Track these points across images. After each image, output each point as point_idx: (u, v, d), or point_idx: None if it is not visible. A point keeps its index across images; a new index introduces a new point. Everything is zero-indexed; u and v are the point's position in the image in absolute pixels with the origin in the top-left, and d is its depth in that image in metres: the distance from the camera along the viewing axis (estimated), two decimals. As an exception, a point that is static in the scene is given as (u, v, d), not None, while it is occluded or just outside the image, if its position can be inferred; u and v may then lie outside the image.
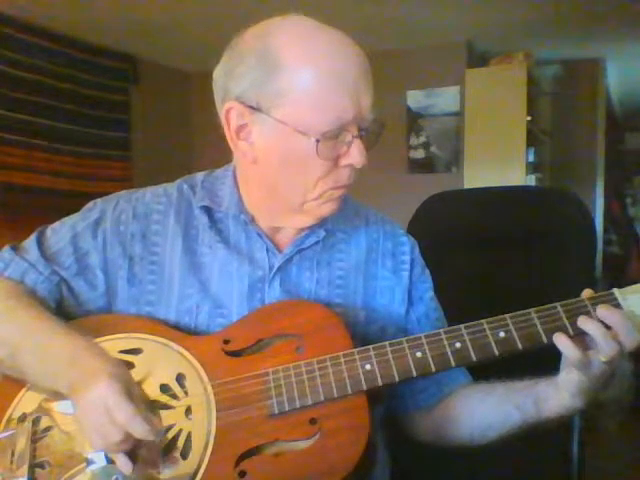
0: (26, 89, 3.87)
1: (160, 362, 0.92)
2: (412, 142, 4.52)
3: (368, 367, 0.88)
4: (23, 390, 0.94)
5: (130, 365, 0.91)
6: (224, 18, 3.43)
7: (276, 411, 0.87)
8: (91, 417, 0.82)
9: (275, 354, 0.91)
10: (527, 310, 0.89)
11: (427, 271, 1.11)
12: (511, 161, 4.12)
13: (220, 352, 0.92)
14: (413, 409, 1.07)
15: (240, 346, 0.93)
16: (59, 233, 1.03)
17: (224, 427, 0.87)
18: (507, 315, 0.89)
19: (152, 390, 0.90)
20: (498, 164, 4.10)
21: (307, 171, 0.91)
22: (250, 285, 0.99)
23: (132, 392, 0.83)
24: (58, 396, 0.90)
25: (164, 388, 0.90)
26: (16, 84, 3.81)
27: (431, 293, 1.10)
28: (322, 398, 0.87)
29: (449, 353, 0.88)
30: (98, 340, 0.93)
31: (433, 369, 0.88)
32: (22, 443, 0.89)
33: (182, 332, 0.97)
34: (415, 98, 4.49)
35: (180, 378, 0.91)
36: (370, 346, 0.90)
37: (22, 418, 0.92)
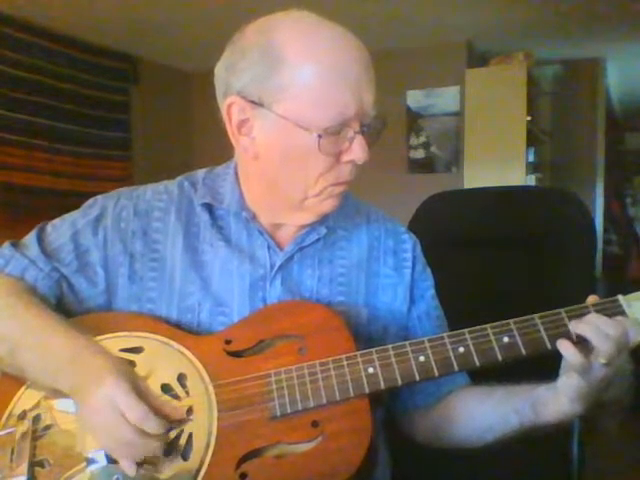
0: (26, 89, 3.87)
1: (161, 361, 0.92)
2: (412, 142, 4.52)
3: (371, 370, 0.88)
4: (23, 388, 0.94)
5: (131, 364, 0.91)
6: (224, 18, 3.42)
7: (278, 413, 0.86)
8: (99, 417, 0.82)
9: (277, 355, 0.90)
10: (531, 315, 0.88)
11: (428, 269, 1.10)
12: (511, 161, 4.12)
13: (222, 352, 0.92)
14: (412, 409, 1.06)
15: (242, 346, 0.92)
16: (59, 230, 1.03)
17: (225, 428, 0.86)
18: (511, 320, 0.88)
19: (153, 390, 0.89)
20: (498, 164, 4.10)
21: (308, 167, 0.91)
22: (251, 283, 0.99)
23: (139, 389, 0.83)
24: (58, 394, 0.90)
25: (165, 388, 0.90)
26: (16, 84, 3.81)
27: (432, 291, 1.09)
28: (324, 401, 0.86)
29: (452, 357, 0.88)
30: (99, 338, 0.93)
31: (436, 373, 0.88)
32: (22, 441, 0.89)
33: (183, 331, 0.96)
34: (415, 98, 4.49)
35: (181, 378, 0.91)
36: (373, 349, 0.89)
37: (22, 416, 0.92)
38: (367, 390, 0.87)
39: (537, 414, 0.92)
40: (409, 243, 1.09)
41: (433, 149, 4.48)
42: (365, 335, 0.98)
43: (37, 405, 0.92)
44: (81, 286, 1.00)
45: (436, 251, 1.18)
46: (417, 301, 1.07)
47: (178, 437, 0.87)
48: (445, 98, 4.40)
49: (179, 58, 4.75)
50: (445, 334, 0.90)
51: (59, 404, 0.91)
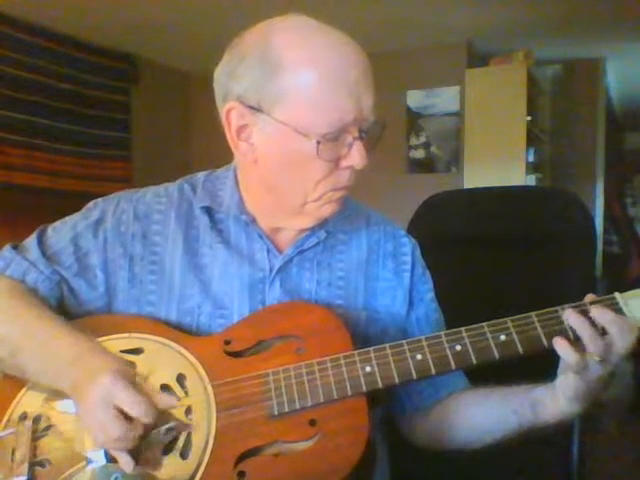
0: (26, 89, 3.87)
1: (161, 362, 0.92)
2: (412, 142, 4.52)
3: (368, 369, 0.88)
4: (24, 389, 0.94)
5: (131, 365, 0.91)
6: (224, 18, 3.43)
7: (276, 412, 0.87)
8: (96, 413, 0.82)
9: (275, 355, 0.91)
10: (528, 313, 0.88)
11: (427, 272, 1.10)
12: (511, 161, 4.12)
13: (221, 353, 0.92)
14: (410, 411, 1.06)
15: (241, 347, 0.93)
16: (60, 232, 1.03)
17: (224, 427, 0.87)
18: (508, 318, 0.89)
19: (153, 390, 0.89)
20: (498, 164, 4.10)
21: (307, 172, 0.91)
22: (250, 286, 0.99)
23: (137, 386, 0.84)
24: (59, 395, 0.90)
25: (164, 388, 0.90)
26: (16, 84, 3.82)
27: (431, 294, 1.10)
28: (322, 399, 0.87)
29: (449, 356, 0.88)
30: (99, 340, 0.93)
31: (433, 371, 0.88)
32: (22, 441, 0.89)
33: (183, 332, 0.97)
34: (415, 98, 4.49)
35: (181, 378, 0.91)
36: (370, 348, 0.90)
37: (23, 417, 0.92)
38: (364, 389, 0.87)
39: (536, 414, 0.92)
40: (408, 246, 1.09)
41: (433, 149, 4.48)
42: (364, 338, 0.98)
43: (38, 406, 0.92)
44: (81, 289, 1.01)
45: (436, 251, 1.18)
46: (416, 304, 1.07)
47: (177, 436, 0.87)
48: (445, 98, 4.40)
49: (179, 58, 4.75)
50: (442, 332, 0.90)
51: (60, 405, 0.91)
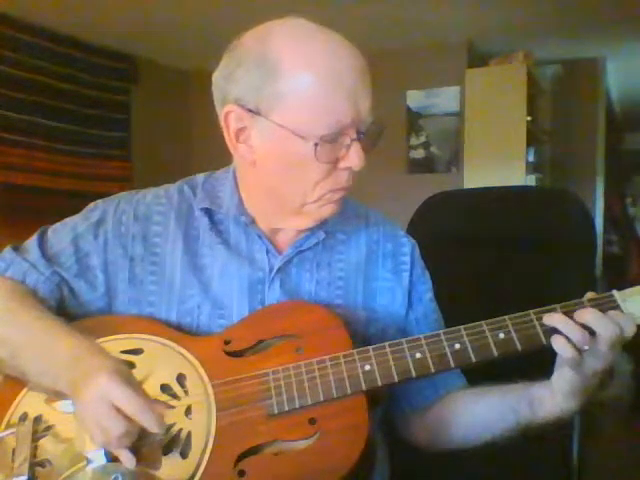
0: (26, 89, 3.87)
1: (161, 362, 0.92)
2: (412, 142, 4.52)
3: (367, 368, 0.88)
4: (24, 390, 0.95)
5: (131, 365, 0.92)
6: (224, 18, 3.43)
7: (275, 411, 0.87)
8: (93, 412, 0.82)
9: (275, 355, 0.91)
10: (526, 311, 0.89)
11: (427, 272, 1.11)
12: (511, 161, 4.12)
13: (221, 352, 0.93)
14: (409, 410, 1.07)
15: (241, 347, 0.93)
16: (60, 234, 1.03)
17: (224, 427, 0.87)
18: (506, 316, 0.89)
19: (153, 390, 0.90)
20: (498, 164, 4.10)
21: (306, 174, 0.91)
22: (250, 286, 0.99)
23: (134, 385, 0.84)
24: (59, 396, 0.91)
25: (164, 388, 0.91)
26: (16, 84, 3.82)
27: (430, 294, 1.10)
28: (321, 398, 0.87)
29: (448, 354, 0.88)
30: (99, 340, 0.93)
31: (432, 370, 0.89)
32: (23, 442, 0.89)
33: (183, 333, 0.97)
34: (415, 98, 4.49)
35: (180, 378, 0.91)
36: (370, 347, 0.90)
37: (23, 417, 0.92)
38: (364, 387, 0.88)
39: (534, 411, 0.93)
40: (408, 246, 1.09)
41: (433, 149, 4.48)
42: (363, 338, 0.98)
43: (38, 407, 0.93)
44: (81, 290, 1.01)
45: (436, 251, 1.18)
46: (415, 304, 1.07)
47: (177, 436, 0.87)
48: (445, 98, 4.40)
49: (179, 58, 4.75)
50: (441, 331, 0.91)
51: (60, 405, 0.91)
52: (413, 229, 1.50)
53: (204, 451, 0.85)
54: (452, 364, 0.89)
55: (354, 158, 0.90)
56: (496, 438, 0.99)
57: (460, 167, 4.33)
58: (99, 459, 0.84)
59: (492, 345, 0.88)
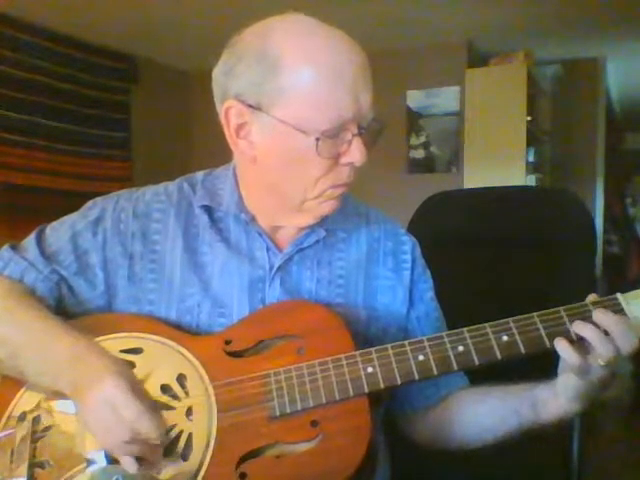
0: (26, 89, 3.87)
1: (161, 362, 0.92)
2: (412, 142, 4.52)
3: (370, 370, 0.88)
4: (23, 389, 0.94)
5: (131, 365, 0.91)
6: (224, 17, 3.42)
7: (277, 413, 0.86)
8: (97, 416, 0.82)
9: (276, 355, 0.90)
10: (530, 314, 0.88)
11: (427, 271, 1.10)
12: (511, 161, 4.12)
13: (221, 353, 0.92)
14: (410, 410, 1.06)
15: (241, 347, 0.92)
16: (59, 232, 1.03)
17: (225, 428, 0.86)
18: (510, 319, 0.88)
19: (153, 390, 0.89)
20: (498, 164, 4.10)
21: (307, 170, 0.91)
22: (250, 284, 0.99)
23: (137, 390, 0.83)
24: (58, 395, 0.90)
25: (165, 388, 0.90)
26: (16, 84, 3.81)
27: (431, 293, 1.09)
28: (323, 400, 0.86)
29: (451, 356, 0.88)
30: (99, 339, 0.93)
31: (435, 372, 0.88)
32: (21, 442, 0.89)
33: (183, 332, 0.96)
34: (415, 98, 4.49)
35: (181, 378, 0.91)
36: (372, 349, 0.89)
37: (22, 417, 0.92)
38: (366, 390, 0.87)
39: (536, 414, 0.93)
40: (408, 245, 1.09)
41: (433, 149, 4.47)
42: (364, 336, 0.98)
43: (37, 407, 0.92)
44: (80, 288, 1.00)
45: (436, 251, 1.18)
46: (416, 303, 1.07)
47: (178, 437, 0.87)
48: (445, 98, 4.40)
49: (179, 58, 4.75)
50: (444, 333, 0.90)
51: (59, 405, 0.91)
52: (413, 229, 1.50)
53: (205, 453, 0.85)
54: (455, 367, 0.88)
55: (356, 153, 0.90)
56: (498, 439, 0.98)
57: (460, 167, 4.33)
58: (99, 460, 0.84)
59: (495, 348, 0.87)
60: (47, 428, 0.91)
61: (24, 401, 0.93)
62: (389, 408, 1.06)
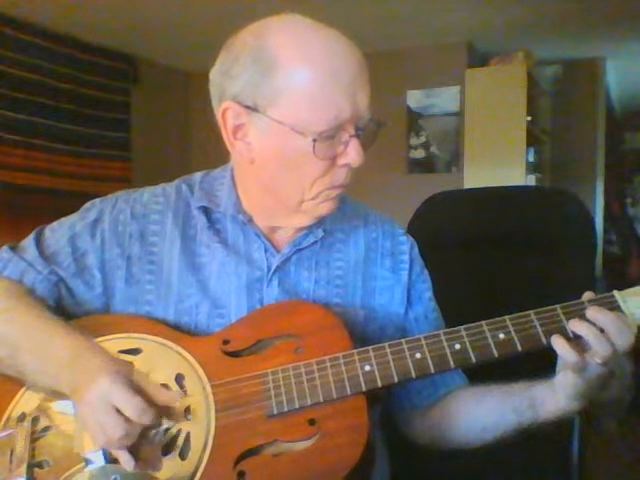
0: (26, 89, 3.87)
1: (159, 362, 0.92)
2: (412, 142, 4.51)
3: (367, 368, 0.88)
4: (22, 390, 0.94)
5: (129, 364, 0.91)
6: (224, 18, 3.42)
7: (275, 412, 0.87)
8: (95, 414, 0.82)
9: (274, 355, 0.91)
10: (527, 312, 0.89)
11: (426, 271, 1.10)
12: (511, 161, 4.12)
13: (219, 352, 0.92)
14: (409, 409, 1.07)
15: (239, 346, 0.93)
16: (57, 233, 1.03)
17: (223, 427, 0.87)
18: (507, 317, 0.89)
19: (155, 385, 0.89)
20: (498, 164, 4.10)
21: (304, 171, 0.91)
22: (248, 285, 0.99)
23: (136, 386, 0.84)
24: (57, 396, 0.91)
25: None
26: (16, 84, 3.81)
27: (430, 293, 1.10)
28: (321, 399, 0.87)
29: (448, 354, 0.88)
30: (98, 340, 0.93)
31: (432, 370, 0.88)
32: (21, 442, 0.89)
33: (181, 332, 0.97)
34: (415, 98, 4.48)
35: (179, 378, 0.91)
36: (369, 347, 0.90)
37: (21, 418, 0.92)
38: (364, 388, 0.87)
39: (535, 412, 0.93)
40: (407, 245, 1.09)
41: (433, 149, 4.47)
42: (362, 336, 0.98)
43: (36, 407, 0.92)
44: (79, 289, 1.01)
45: (436, 251, 1.18)
46: (414, 303, 1.07)
47: (176, 437, 0.87)
48: (445, 98, 4.40)
49: (179, 58, 4.75)
50: (441, 331, 0.90)
51: (58, 406, 0.91)
52: (413, 229, 1.50)
53: (203, 452, 0.85)
54: (452, 364, 0.88)
55: (353, 154, 0.90)
56: (497, 438, 0.98)
57: (460, 167, 4.32)
58: (98, 460, 0.84)
59: (492, 346, 0.88)
60: (46, 428, 0.91)
61: (23, 402, 0.94)
62: (388, 408, 1.07)
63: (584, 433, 1.31)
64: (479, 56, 4.48)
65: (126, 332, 0.96)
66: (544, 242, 1.43)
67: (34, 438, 0.90)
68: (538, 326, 0.87)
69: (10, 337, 0.93)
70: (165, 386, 0.90)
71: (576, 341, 0.85)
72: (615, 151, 6.24)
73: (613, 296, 0.88)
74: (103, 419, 0.81)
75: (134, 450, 0.84)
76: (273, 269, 0.99)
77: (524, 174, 4.15)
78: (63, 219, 1.05)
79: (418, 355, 0.89)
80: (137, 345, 0.94)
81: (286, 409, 0.87)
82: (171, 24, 3.97)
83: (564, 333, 0.86)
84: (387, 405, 1.06)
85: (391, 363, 0.88)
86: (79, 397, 0.85)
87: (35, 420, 0.91)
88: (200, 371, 0.91)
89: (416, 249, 1.10)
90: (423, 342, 0.89)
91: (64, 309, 1.00)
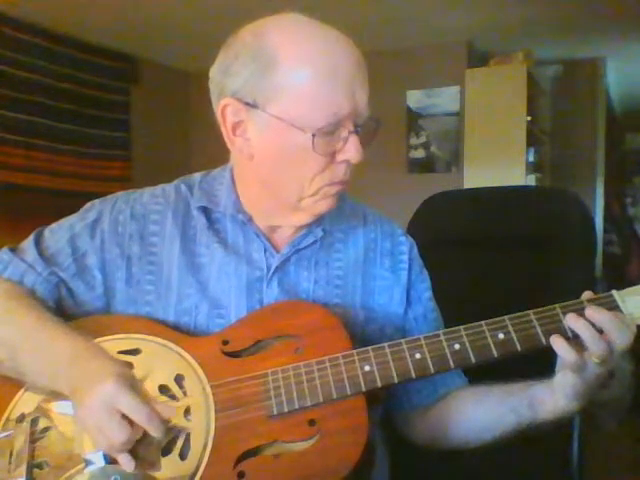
0: (26, 89, 3.87)
1: (159, 363, 0.92)
2: (412, 142, 4.52)
3: (367, 368, 0.88)
4: (22, 390, 0.94)
5: (129, 366, 0.91)
6: (224, 18, 3.42)
7: (275, 412, 0.87)
8: (96, 417, 0.82)
9: (274, 355, 0.91)
10: (526, 312, 0.89)
11: (425, 271, 1.10)
12: (511, 161, 4.12)
13: (219, 353, 0.92)
14: (409, 409, 1.07)
15: (239, 347, 0.93)
16: (57, 234, 1.03)
17: (223, 428, 0.87)
18: (506, 317, 0.89)
19: (151, 391, 0.89)
20: (498, 164, 4.10)
21: (303, 167, 0.91)
22: (248, 285, 0.99)
23: (138, 390, 0.84)
24: (57, 396, 0.90)
25: (163, 389, 0.90)
26: (16, 84, 3.81)
27: (429, 293, 1.10)
28: (321, 399, 0.87)
29: (448, 354, 0.88)
30: (97, 340, 0.93)
31: (432, 370, 0.88)
32: (20, 443, 0.89)
33: (181, 333, 0.97)
34: (415, 98, 4.49)
35: (179, 379, 0.91)
36: (369, 347, 0.90)
37: (20, 418, 0.92)
38: (364, 388, 0.87)
39: (535, 412, 0.93)
40: (406, 245, 1.09)
41: (433, 149, 4.47)
42: (361, 337, 0.98)
43: (36, 408, 0.92)
44: (79, 290, 1.01)
45: (436, 251, 1.18)
46: (414, 303, 1.07)
47: (176, 437, 0.87)
48: (445, 98, 4.40)
49: (179, 58, 4.75)
50: (441, 331, 0.91)
51: (58, 406, 0.91)
52: (413, 229, 1.50)
53: (203, 452, 0.85)
54: (452, 365, 0.88)
55: (352, 150, 0.90)
56: (496, 438, 0.98)
57: (460, 167, 4.33)
58: (98, 461, 0.84)
59: (492, 345, 0.88)
60: (46, 429, 0.91)
61: (23, 403, 0.94)
62: (388, 408, 1.07)
63: (584, 433, 1.31)
64: (479, 56, 4.48)
65: (125, 333, 0.96)
66: (544, 242, 1.42)
67: (33, 439, 0.90)
68: (537, 326, 0.87)
69: (10, 338, 0.93)
70: (165, 387, 0.90)
71: (575, 341, 0.85)
72: (615, 151, 6.24)
73: (612, 296, 0.88)
74: (106, 423, 0.81)
75: (134, 451, 0.84)
76: (273, 269, 1.00)
77: (524, 174, 4.15)
78: (63, 220, 1.05)
79: (418, 355, 0.89)
80: (136, 346, 0.94)
81: (286, 409, 0.87)
82: (171, 24, 3.97)
83: (563, 333, 0.86)
84: (387, 405, 1.06)
85: (391, 363, 0.88)
86: (79, 398, 0.84)
87: (34, 421, 0.91)
88: (200, 371, 0.91)
89: (415, 249, 1.10)
90: (423, 342, 0.89)
91: (64, 310, 1.00)
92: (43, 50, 3.96)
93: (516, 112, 4.10)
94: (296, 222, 1.00)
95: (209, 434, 0.86)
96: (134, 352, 0.93)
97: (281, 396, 0.87)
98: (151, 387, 0.90)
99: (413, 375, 0.88)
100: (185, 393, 0.90)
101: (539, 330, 0.87)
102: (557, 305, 0.88)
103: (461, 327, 0.90)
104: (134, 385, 0.84)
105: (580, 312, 0.86)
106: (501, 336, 0.88)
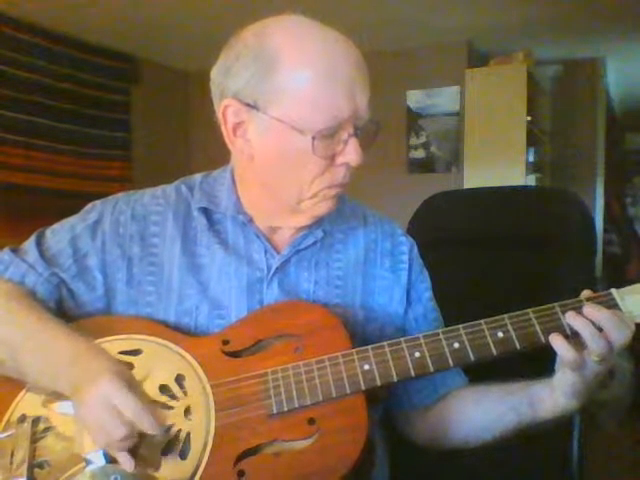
0: (26, 89, 3.87)
1: (159, 363, 0.92)
2: (412, 142, 4.52)
3: (367, 367, 0.88)
4: (23, 391, 0.95)
5: (129, 366, 0.91)
6: (224, 18, 3.43)
7: (275, 411, 0.87)
8: (94, 415, 0.82)
9: (274, 355, 0.91)
10: (525, 310, 0.89)
11: (425, 271, 1.11)
12: (511, 161, 4.12)
13: (219, 353, 0.92)
14: (409, 409, 1.07)
15: (239, 347, 0.93)
16: (58, 235, 1.03)
17: (223, 427, 0.87)
18: (505, 315, 0.89)
19: (151, 391, 0.90)
20: (498, 164, 4.10)
21: (303, 169, 0.91)
22: (249, 286, 0.99)
23: (135, 388, 0.84)
24: (58, 397, 0.91)
25: (163, 389, 0.90)
26: (16, 84, 3.81)
27: (429, 293, 1.10)
28: (320, 398, 0.87)
29: (447, 353, 0.89)
30: (98, 341, 0.93)
31: (431, 369, 0.89)
32: (21, 443, 0.89)
33: (181, 333, 0.97)
34: (415, 98, 4.49)
35: (179, 379, 0.91)
36: (369, 346, 0.90)
37: (22, 419, 0.92)
38: (363, 387, 0.88)
39: (534, 411, 0.93)
40: (406, 245, 1.09)
41: (433, 149, 4.48)
42: (361, 337, 0.98)
43: (37, 408, 0.93)
44: (80, 290, 1.01)
45: (436, 251, 1.18)
46: (414, 303, 1.07)
47: (176, 436, 0.87)
48: (445, 98, 4.40)
49: (179, 58, 4.75)
50: (440, 330, 0.91)
51: (58, 407, 0.91)
52: (413, 229, 1.50)
53: (203, 452, 0.85)
54: (451, 363, 0.89)
55: (352, 153, 0.90)
56: (496, 438, 0.99)
57: (460, 167, 4.33)
58: (98, 460, 0.84)
59: (491, 344, 0.88)
60: (47, 429, 0.91)
61: (24, 403, 0.94)
62: (388, 408, 1.07)
63: (584, 433, 1.31)
64: (479, 56, 4.48)
65: (126, 333, 0.96)
66: (544, 242, 1.43)
67: (34, 439, 0.90)
68: (536, 324, 0.87)
69: (11, 338, 0.93)
70: (165, 387, 0.90)
71: (574, 339, 0.85)
72: (615, 151, 6.24)
73: (611, 294, 0.88)
74: (104, 420, 0.81)
75: (134, 450, 0.84)
76: (273, 270, 1.00)
77: (524, 174, 4.15)
78: (64, 221, 1.06)
79: (417, 354, 0.89)
80: (137, 346, 0.94)
81: (286, 408, 0.87)
82: (171, 24, 3.97)
83: (562, 331, 0.86)
84: (387, 405, 1.06)
85: (390, 362, 0.89)
86: (79, 398, 0.85)
87: (35, 421, 0.91)
88: (200, 371, 0.91)
89: (415, 250, 1.10)
90: (422, 341, 0.90)
91: (65, 311, 1.00)
92: (43, 50, 3.96)
93: (516, 112, 4.10)
94: (296, 224, 1.00)
95: (209, 433, 0.86)
96: (135, 352, 0.94)
97: (281, 395, 0.87)
98: (152, 387, 0.90)
99: (412, 374, 0.88)
100: (185, 393, 0.90)
101: (538, 328, 0.87)
102: (556, 304, 0.88)
103: (460, 326, 0.90)
104: (131, 384, 0.84)
105: (579, 310, 0.86)
106: (500, 335, 0.88)
